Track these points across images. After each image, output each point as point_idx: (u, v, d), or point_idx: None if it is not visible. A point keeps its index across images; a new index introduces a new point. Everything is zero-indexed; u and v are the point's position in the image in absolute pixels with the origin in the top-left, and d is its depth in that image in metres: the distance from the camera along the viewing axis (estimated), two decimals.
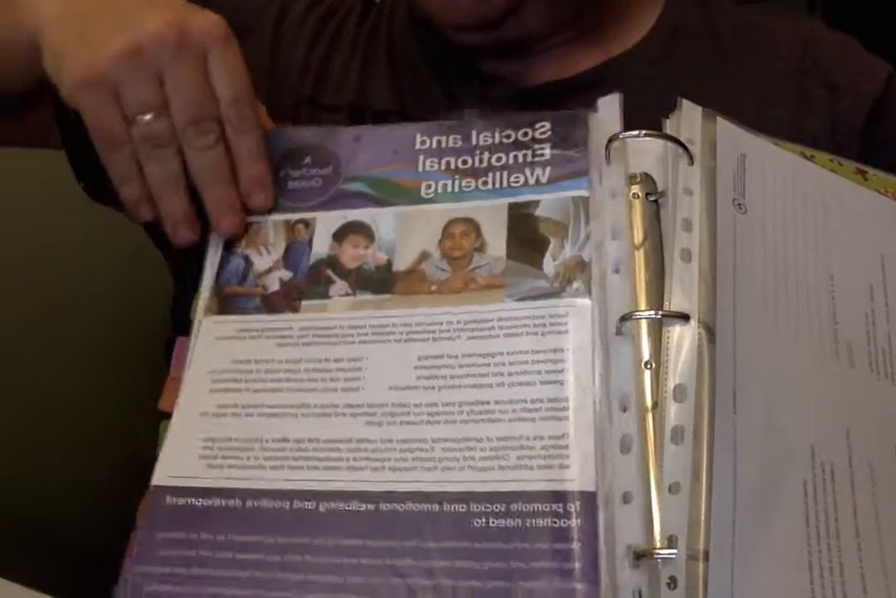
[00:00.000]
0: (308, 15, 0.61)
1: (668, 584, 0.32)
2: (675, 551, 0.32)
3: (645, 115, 0.43)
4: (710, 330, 0.37)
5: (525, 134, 0.44)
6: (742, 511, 0.33)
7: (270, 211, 0.45)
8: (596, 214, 0.41)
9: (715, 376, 0.36)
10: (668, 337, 0.37)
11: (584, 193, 0.41)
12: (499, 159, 0.43)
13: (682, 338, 0.37)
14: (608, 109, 0.44)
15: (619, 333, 0.38)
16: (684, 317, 0.37)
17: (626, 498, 0.34)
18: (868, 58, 0.60)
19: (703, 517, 0.33)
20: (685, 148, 0.41)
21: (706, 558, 0.32)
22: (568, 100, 0.54)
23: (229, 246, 0.45)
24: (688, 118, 0.43)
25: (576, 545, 0.33)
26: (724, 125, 0.43)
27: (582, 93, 0.54)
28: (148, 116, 0.41)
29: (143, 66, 0.41)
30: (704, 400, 0.35)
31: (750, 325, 0.38)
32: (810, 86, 0.57)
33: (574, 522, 0.34)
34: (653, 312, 0.37)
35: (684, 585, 0.32)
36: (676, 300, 0.37)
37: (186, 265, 0.47)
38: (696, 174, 0.41)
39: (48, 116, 0.52)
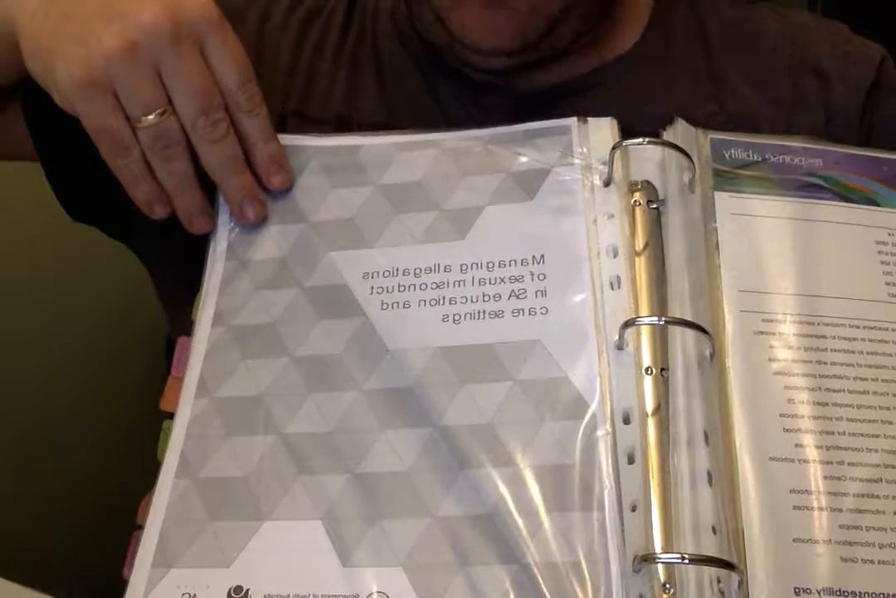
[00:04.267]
0: (290, 17, 0.57)
1: (665, 588, 0.32)
2: (675, 556, 0.32)
3: (640, 118, 0.43)
4: (713, 336, 0.37)
5: None
6: None
7: None
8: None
9: (728, 381, 0.36)
10: (674, 343, 0.37)
11: None
12: None
13: (690, 345, 0.37)
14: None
15: (620, 348, 0.37)
16: (688, 324, 0.37)
17: (634, 506, 0.34)
18: (859, 43, 0.58)
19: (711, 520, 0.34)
20: (687, 156, 0.41)
21: (707, 562, 0.32)
22: (561, 105, 0.53)
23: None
24: (684, 129, 0.43)
25: None
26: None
27: (576, 97, 0.53)
28: (152, 116, 0.40)
29: (141, 62, 0.39)
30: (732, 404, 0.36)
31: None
32: (802, 77, 0.56)
33: None
34: (656, 318, 0.37)
35: (682, 589, 0.32)
36: (680, 307, 0.38)
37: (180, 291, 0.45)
38: (696, 181, 0.41)
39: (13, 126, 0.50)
